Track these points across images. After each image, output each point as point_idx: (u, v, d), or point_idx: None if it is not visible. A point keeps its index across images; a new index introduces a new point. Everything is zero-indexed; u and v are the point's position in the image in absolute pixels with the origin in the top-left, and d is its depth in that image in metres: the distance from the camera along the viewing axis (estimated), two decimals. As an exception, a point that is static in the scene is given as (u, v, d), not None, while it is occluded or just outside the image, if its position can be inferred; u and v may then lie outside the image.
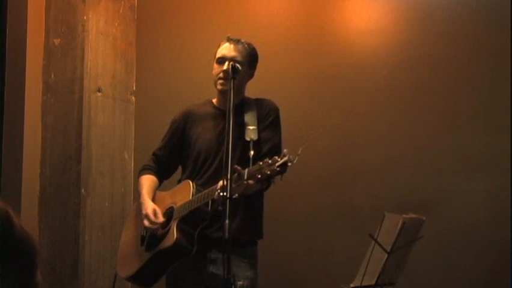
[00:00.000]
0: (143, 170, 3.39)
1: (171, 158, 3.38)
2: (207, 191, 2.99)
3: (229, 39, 3.26)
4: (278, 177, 2.73)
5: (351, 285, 3.13)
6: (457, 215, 3.84)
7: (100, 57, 4.42)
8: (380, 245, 3.08)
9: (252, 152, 2.99)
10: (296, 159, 2.70)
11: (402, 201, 3.87)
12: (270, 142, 3.20)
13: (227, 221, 2.60)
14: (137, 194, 3.34)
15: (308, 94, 4.22)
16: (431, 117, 3.98)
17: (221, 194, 2.71)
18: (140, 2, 4.72)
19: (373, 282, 3.12)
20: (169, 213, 3.15)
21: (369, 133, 4.08)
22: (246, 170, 2.82)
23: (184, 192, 3.12)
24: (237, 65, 3.08)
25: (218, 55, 3.24)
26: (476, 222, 3.79)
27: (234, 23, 4.40)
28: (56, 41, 4.38)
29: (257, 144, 3.12)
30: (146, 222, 3.13)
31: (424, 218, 3.28)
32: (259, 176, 2.75)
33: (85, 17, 4.33)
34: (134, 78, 4.69)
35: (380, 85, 4.09)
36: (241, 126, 3.15)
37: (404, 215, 3.13)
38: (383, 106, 4.08)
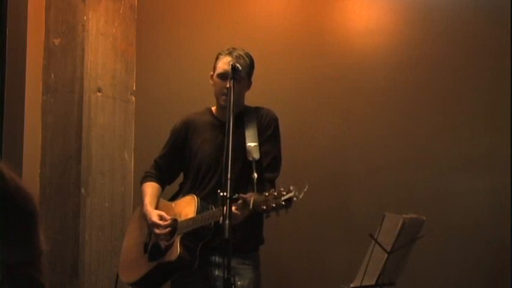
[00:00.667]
0: (146, 178, 3.41)
1: (172, 166, 3.41)
2: (212, 212, 3.01)
3: (230, 53, 3.21)
4: (283, 210, 2.78)
5: (351, 285, 3.14)
6: (456, 214, 3.85)
7: (100, 57, 4.42)
8: (380, 245, 3.08)
9: (255, 175, 3.01)
10: (302, 195, 2.73)
11: (402, 201, 3.88)
12: (270, 155, 3.23)
13: (227, 221, 2.62)
14: (141, 202, 3.35)
15: (308, 94, 4.22)
16: (430, 117, 3.98)
17: (221, 194, 2.72)
18: (140, 2, 4.71)
19: (373, 282, 3.12)
20: (172, 226, 3.17)
21: (369, 133, 4.08)
22: (252, 200, 2.86)
23: (188, 207, 3.14)
24: (237, 65, 3.08)
25: (220, 70, 3.20)
26: (476, 222, 3.79)
27: (234, 23, 4.40)
28: (56, 41, 4.38)
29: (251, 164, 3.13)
30: (157, 231, 3.15)
31: (424, 218, 3.28)
32: (264, 207, 2.80)
33: (85, 17, 4.33)
34: (134, 78, 4.69)
35: (380, 85, 4.09)
36: (241, 141, 3.16)
37: (404, 215, 3.13)
38: (383, 106, 4.07)
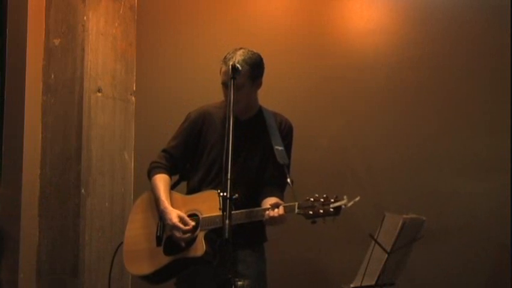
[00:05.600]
0: (156, 168, 3.30)
1: (184, 158, 3.32)
2: (241, 212, 2.98)
3: (225, 64, 3.15)
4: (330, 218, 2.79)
5: (351, 285, 3.14)
6: (457, 215, 3.84)
7: (100, 58, 4.42)
8: (380, 245, 3.08)
9: (289, 180, 3.03)
10: (350, 204, 2.75)
11: (402, 201, 3.87)
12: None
13: (227, 221, 2.61)
14: (154, 196, 3.25)
15: (308, 94, 4.22)
16: (431, 117, 3.98)
17: (221, 194, 2.71)
18: (140, 2, 4.72)
19: (373, 282, 3.12)
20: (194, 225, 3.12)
21: (369, 133, 4.08)
22: (296, 204, 2.87)
23: (210, 203, 3.06)
24: (237, 65, 3.07)
25: (221, 80, 3.19)
26: (476, 222, 3.79)
27: (234, 23, 4.40)
28: (56, 41, 4.38)
29: (279, 167, 3.14)
30: (177, 234, 3.08)
31: (424, 218, 3.28)
32: (310, 213, 2.80)
33: (85, 17, 4.33)
34: (134, 78, 4.69)
35: (380, 85, 4.08)
36: (264, 139, 3.18)
37: (404, 215, 3.13)
38: (383, 106, 4.07)
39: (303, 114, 4.16)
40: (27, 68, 4.24)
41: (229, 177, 2.71)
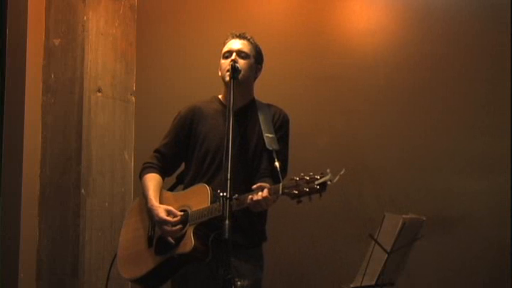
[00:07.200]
0: (147, 169, 3.26)
1: (177, 155, 3.28)
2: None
3: (233, 35, 3.24)
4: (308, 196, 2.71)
5: (351, 285, 3.14)
6: (456, 214, 3.85)
7: (100, 58, 4.42)
8: (380, 245, 3.08)
9: (277, 164, 2.98)
10: (336, 179, 2.66)
11: (402, 201, 3.87)
12: (281, 155, 3.14)
13: (227, 221, 2.60)
14: (143, 196, 3.22)
15: (308, 94, 4.23)
16: (430, 116, 3.98)
17: (221, 194, 2.69)
18: (140, 2, 4.72)
19: (373, 282, 3.12)
20: (182, 217, 3.03)
21: (369, 133, 4.08)
22: (280, 185, 2.78)
23: (200, 197, 3.01)
24: (237, 65, 3.08)
25: (225, 49, 3.21)
26: (476, 222, 3.79)
27: (234, 22, 4.39)
28: (56, 41, 4.38)
29: (269, 154, 3.10)
30: (167, 228, 3.01)
31: (424, 218, 3.28)
32: (295, 192, 2.71)
33: (85, 17, 4.33)
34: (134, 78, 4.69)
35: (380, 85, 4.09)
36: (255, 128, 3.15)
37: (404, 215, 3.13)
38: (383, 106, 4.08)
39: (303, 113, 4.16)
40: (27, 68, 4.24)
41: (229, 177, 2.69)
